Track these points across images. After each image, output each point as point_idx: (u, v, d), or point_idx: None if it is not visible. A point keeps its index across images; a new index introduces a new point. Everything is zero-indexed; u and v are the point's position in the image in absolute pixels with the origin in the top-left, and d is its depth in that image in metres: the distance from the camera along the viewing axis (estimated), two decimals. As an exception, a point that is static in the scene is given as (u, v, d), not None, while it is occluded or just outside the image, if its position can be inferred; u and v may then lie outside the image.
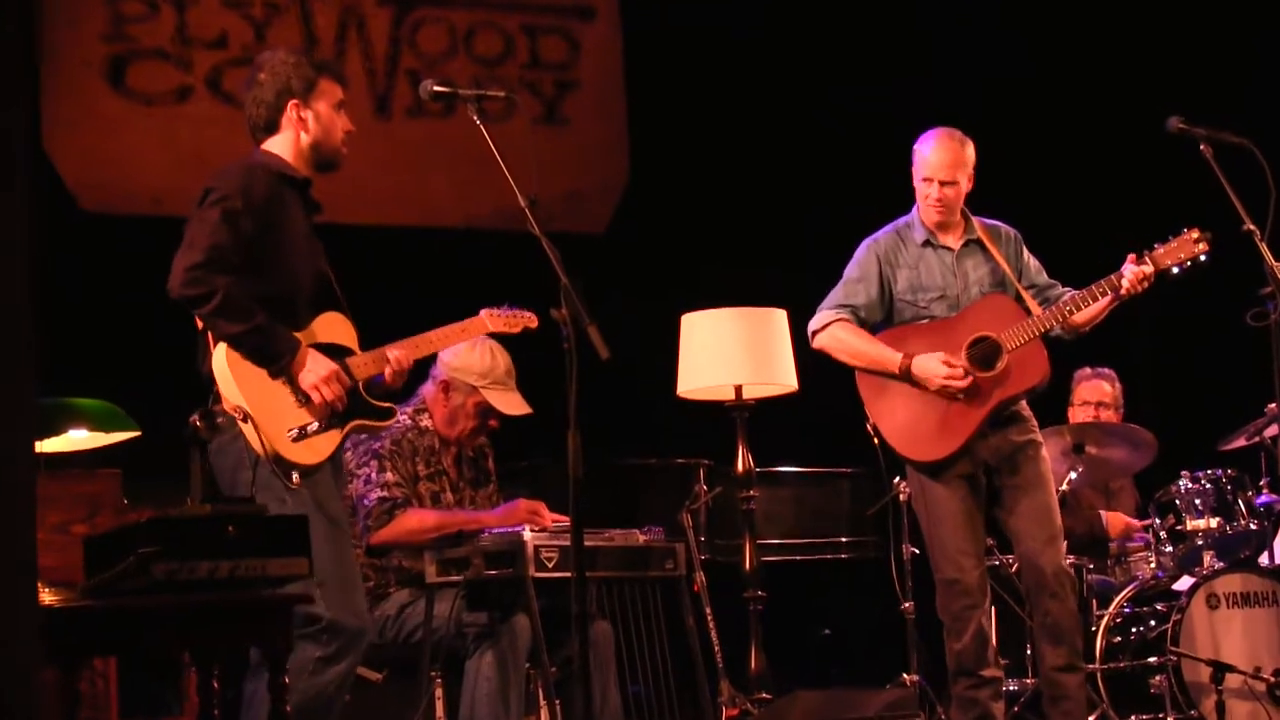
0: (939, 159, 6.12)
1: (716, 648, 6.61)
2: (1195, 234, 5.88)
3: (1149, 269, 5.88)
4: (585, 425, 4.51)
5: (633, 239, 9.04)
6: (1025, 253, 6.28)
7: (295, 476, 4.77)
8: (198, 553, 3.91)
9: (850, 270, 6.26)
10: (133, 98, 8.30)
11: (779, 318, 6.04)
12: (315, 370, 4.86)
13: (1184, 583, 7.07)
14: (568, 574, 5.03)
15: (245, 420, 4.69)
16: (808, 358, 6.27)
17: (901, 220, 6.28)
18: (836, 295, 6.22)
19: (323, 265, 5.09)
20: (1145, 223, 6.18)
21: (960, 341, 6.00)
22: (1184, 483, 7.26)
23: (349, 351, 5.03)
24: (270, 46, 8.60)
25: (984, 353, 5.99)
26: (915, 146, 6.20)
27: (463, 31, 9.18)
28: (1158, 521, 7.24)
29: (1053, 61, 9.09)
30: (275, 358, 4.82)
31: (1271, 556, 7.27)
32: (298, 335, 4.91)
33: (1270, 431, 7.25)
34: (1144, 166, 6.14)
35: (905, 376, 6.03)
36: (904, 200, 6.28)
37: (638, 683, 5.93)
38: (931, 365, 5.98)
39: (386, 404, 5.11)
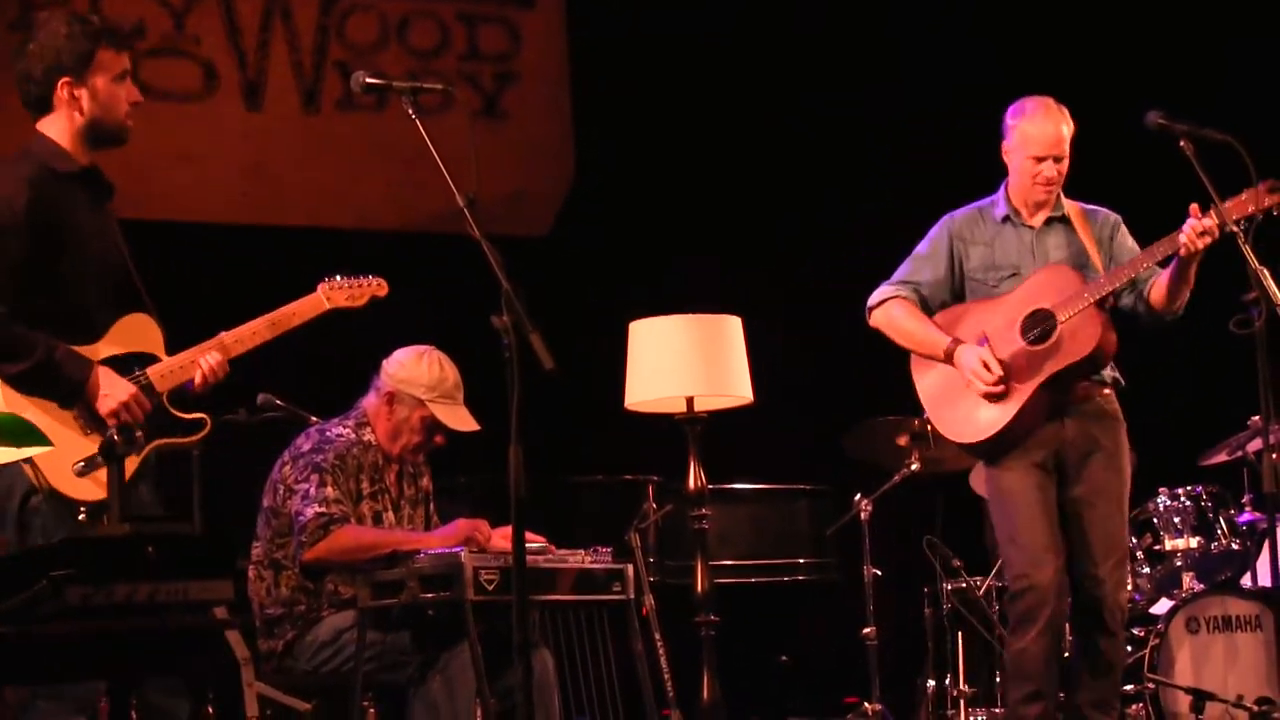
0: (1050, 134, 6.05)
1: (667, 676, 6.63)
2: (1268, 184, 5.68)
3: (1210, 223, 5.73)
4: (528, 439, 4.52)
5: (578, 242, 9.06)
6: (1120, 236, 6.17)
7: (81, 514, 4.66)
8: (115, 575, 3.90)
9: (921, 246, 6.26)
10: (42, 90, 8.26)
11: (733, 325, 6.05)
12: (114, 394, 4.77)
13: (1162, 606, 7.13)
14: (509, 597, 5.04)
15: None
16: (763, 367, 6.29)
17: (984, 200, 6.24)
18: (901, 270, 6.25)
19: (120, 259, 4.97)
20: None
21: (1017, 316, 5.99)
22: (1162, 500, 7.32)
23: (153, 358, 4.94)
24: (191, 36, 8.70)
25: (1041, 326, 5.94)
26: (1013, 121, 6.11)
27: (395, 21, 9.19)
28: (1135, 541, 7.28)
29: (1021, 67, 9.17)
30: (64, 394, 4.73)
31: (1254, 578, 7.33)
32: (97, 343, 4.81)
33: (1253, 446, 7.30)
34: (1116, 170, 6.18)
35: (949, 361, 6.04)
36: (876, 203, 6.32)
37: (584, 713, 5.94)
38: (969, 359, 5.99)
39: (196, 415, 5.00)
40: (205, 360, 4.99)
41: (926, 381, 6.17)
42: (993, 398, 5.95)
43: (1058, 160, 6.05)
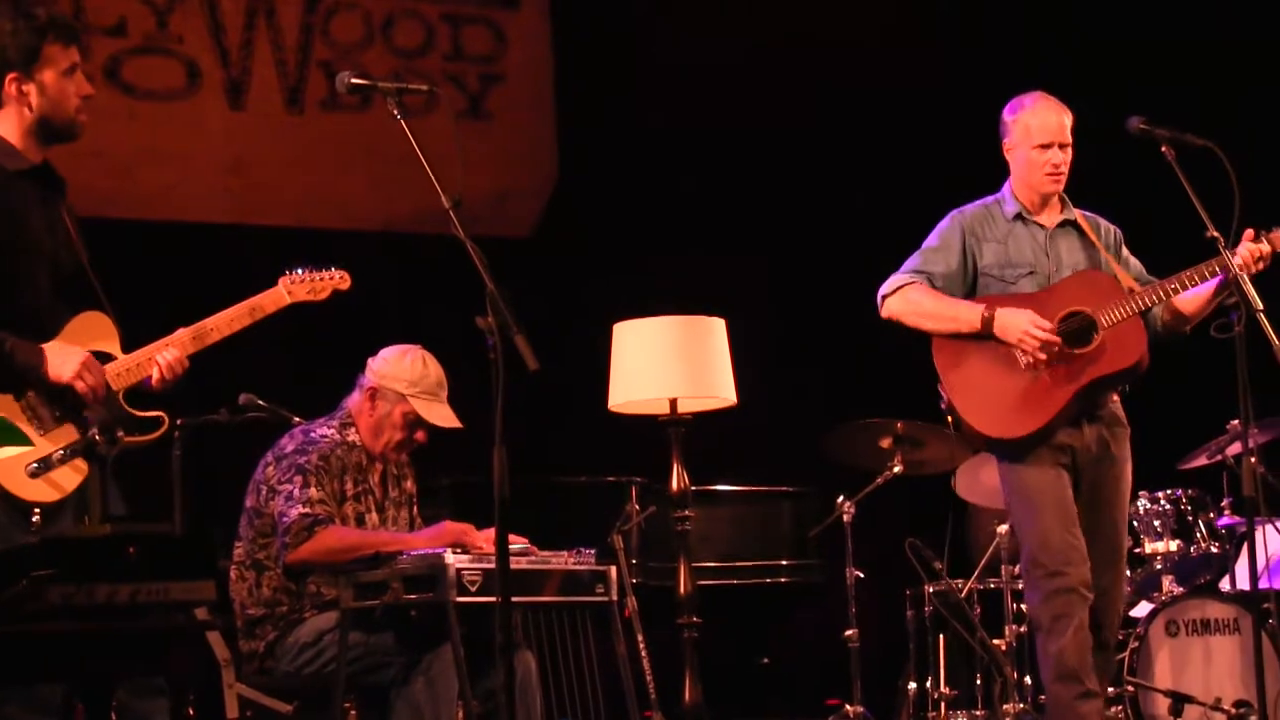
0: (1053, 122, 6.00)
1: (649, 677, 6.63)
2: None
3: (1266, 248, 5.73)
4: (512, 440, 4.52)
5: (562, 243, 9.06)
6: (1125, 250, 6.14)
7: (36, 517, 4.60)
8: (96, 576, 3.89)
9: (930, 239, 6.12)
10: (24, 88, 8.25)
11: (717, 327, 6.05)
12: (67, 364, 4.71)
13: (1142, 609, 7.13)
14: (492, 599, 5.03)
15: None
16: (746, 369, 6.29)
17: (990, 197, 6.14)
18: (912, 262, 6.08)
19: (73, 256, 4.93)
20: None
21: (1052, 315, 5.85)
22: (1142, 503, 7.33)
23: (108, 357, 4.90)
24: (174, 35, 8.68)
25: (1077, 329, 5.84)
26: (1012, 117, 6.06)
27: (380, 20, 9.18)
28: (1117, 544, 7.30)
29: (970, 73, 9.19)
30: (20, 382, 4.68)
31: (1233, 581, 7.34)
32: (50, 342, 4.77)
33: (1233, 449, 7.31)
34: (1098, 176, 6.17)
35: (987, 331, 5.85)
36: (861, 205, 6.31)
37: (566, 715, 5.94)
38: (1015, 319, 5.82)
39: (153, 413, 4.94)
40: (163, 356, 4.95)
41: (958, 372, 5.95)
42: (1029, 400, 5.82)
43: (1063, 147, 6.00)
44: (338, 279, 5.48)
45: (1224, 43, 9.08)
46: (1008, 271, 6.01)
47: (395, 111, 4.80)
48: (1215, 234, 5.60)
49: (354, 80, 4.90)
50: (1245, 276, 5.58)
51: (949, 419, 6.01)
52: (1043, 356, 5.82)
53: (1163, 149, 5.75)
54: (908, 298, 6.02)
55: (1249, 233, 5.78)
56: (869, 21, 9.44)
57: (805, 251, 9.22)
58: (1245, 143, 5.67)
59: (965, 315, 5.93)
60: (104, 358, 4.87)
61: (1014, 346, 5.85)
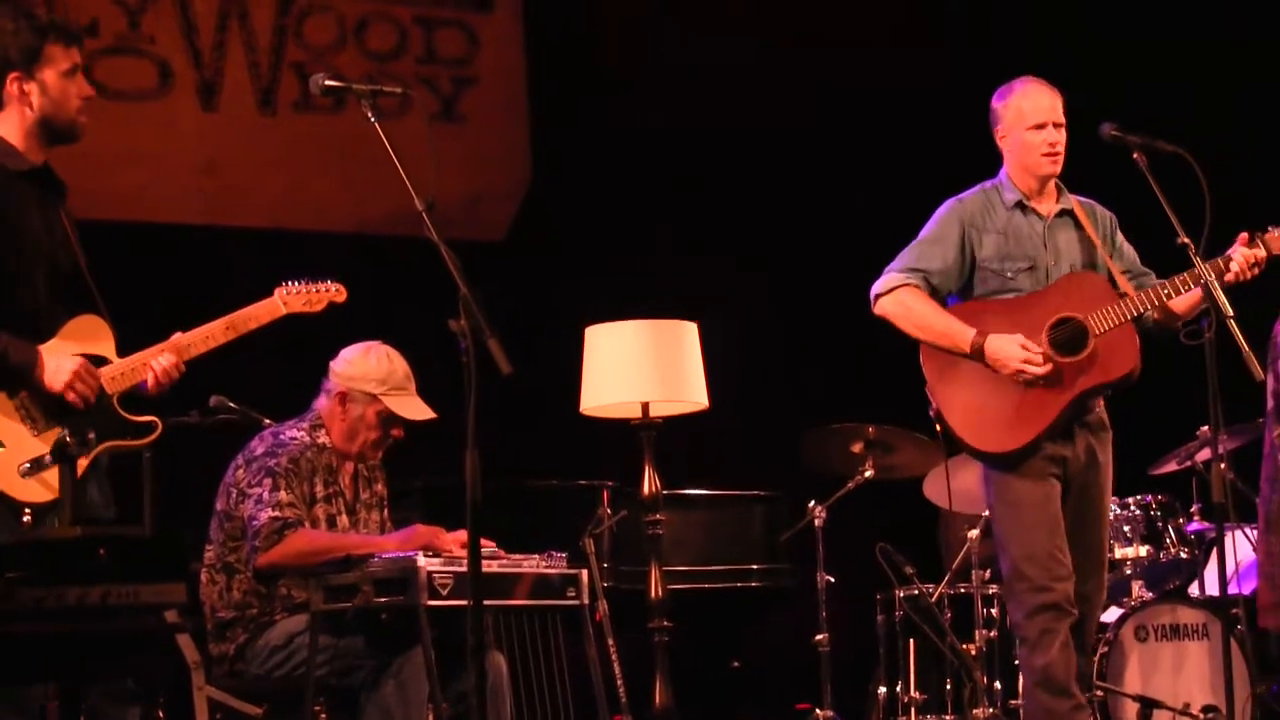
0: (1045, 102, 5.90)
1: (619, 681, 6.62)
2: None
3: (1262, 253, 5.70)
4: (484, 443, 4.51)
5: (534, 247, 9.06)
6: (1119, 236, 6.05)
7: (27, 517, 4.61)
8: (66, 578, 3.88)
9: (929, 230, 5.98)
10: (-5, 88, 8.22)
11: (689, 331, 6.06)
12: (60, 370, 4.73)
13: (1111, 614, 7.15)
14: (463, 602, 5.02)
15: None
16: (719, 373, 6.29)
17: (988, 182, 6.03)
18: (908, 257, 5.94)
19: (70, 259, 4.94)
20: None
21: (1042, 321, 5.76)
22: (1112, 509, 7.33)
23: (104, 360, 4.90)
24: (146, 35, 8.65)
25: (1068, 336, 5.74)
26: (1002, 102, 5.96)
27: (353, 23, 9.17)
28: (1084, 549, 7.31)
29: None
30: (12, 381, 4.69)
31: (1202, 587, 7.36)
32: (46, 344, 4.78)
33: (1202, 456, 7.34)
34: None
35: (977, 356, 5.76)
36: (834, 209, 6.30)
37: (536, 718, 5.93)
38: (1007, 347, 5.72)
39: (147, 418, 4.97)
40: (158, 362, 4.96)
41: (947, 383, 5.85)
42: (1021, 413, 5.72)
43: (1057, 126, 5.89)
44: (333, 291, 5.52)
45: (1225, 41, 9.08)
46: (1007, 265, 5.89)
47: (369, 114, 4.80)
48: (1185, 240, 5.58)
49: (328, 82, 4.90)
50: (1217, 282, 5.57)
51: (937, 427, 5.93)
52: (1040, 373, 5.72)
53: (1135, 155, 5.74)
54: (902, 302, 5.89)
55: (1243, 236, 5.74)
56: (875, 21, 9.42)
57: (778, 255, 9.22)
58: (1246, 142, 5.68)
59: (956, 336, 5.80)
60: (99, 361, 4.88)
61: (1006, 375, 5.74)
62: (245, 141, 8.81)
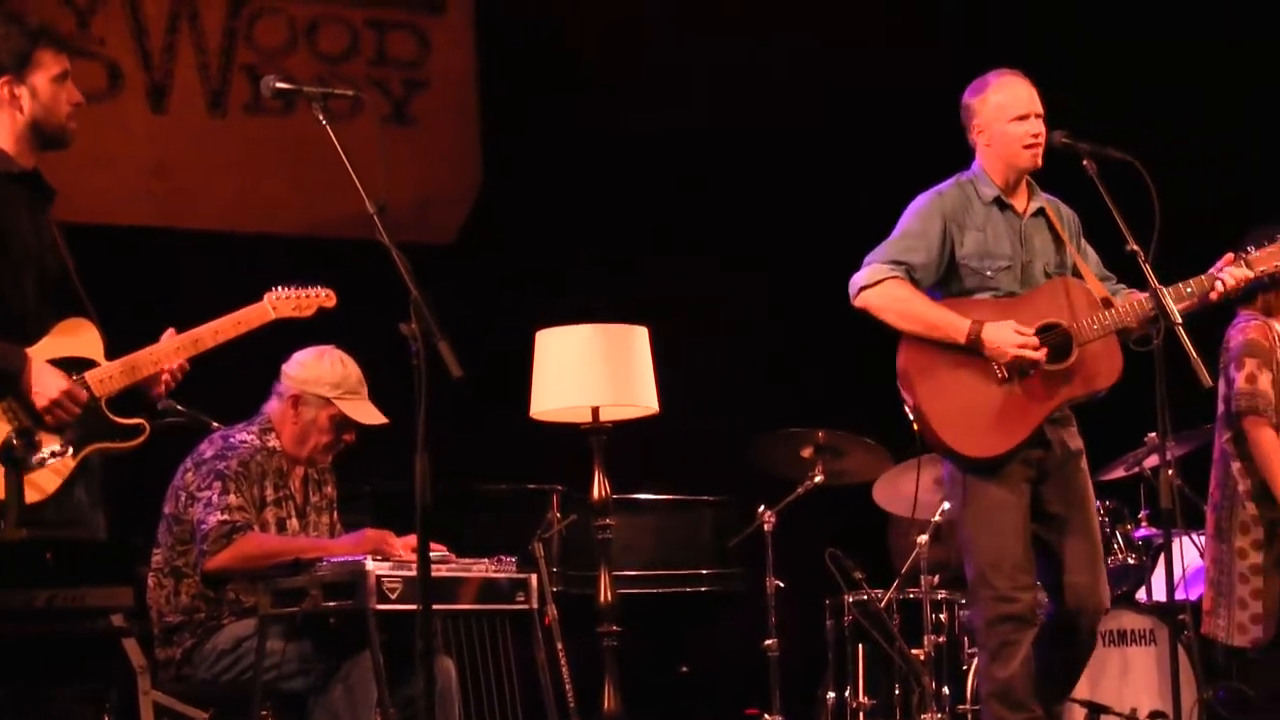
0: (1024, 93, 5.81)
1: (569, 686, 6.62)
2: None
3: (1247, 273, 5.69)
4: (434, 447, 4.50)
5: (484, 250, 9.04)
6: (1083, 240, 5.99)
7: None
8: (11, 582, 3.86)
9: (909, 223, 5.86)
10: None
11: (640, 335, 6.06)
12: (45, 390, 4.72)
13: (1058, 619, 7.17)
14: (412, 606, 5.00)
15: None
16: (669, 377, 6.29)
17: (963, 175, 5.92)
18: (890, 249, 5.81)
19: (57, 262, 4.94)
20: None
21: (1028, 325, 5.66)
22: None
23: (90, 363, 4.90)
24: (95, 37, 8.61)
25: (1053, 343, 5.67)
26: (978, 97, 5.85)
27: (304, 25, 9.15)
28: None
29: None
30: None
31: (1150, 593, 7.40)
32: (33, 347, 4.78)
33: (1150, 462, 7.38)
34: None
35: (973, 344, 5.63)
36: (785, 214, 6.29)
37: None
38: (1003, 333, 5.61)
39: (135, 421, 4.96)
40: (168, 368, 4.98)
41: (929, 381, 5.72)
42: (1004, 417, 5.66)
43: (1038, 117, 5.80)
44: (323, 297, 5.52)
45: (1228, 43, 9.11)
46: (986, 263, 5.80)
47: (320, 116, 4.80)
48: (1135, 248, 5.56)
49: (279, 84, 4.91)
50: (1164, 291, 5.58)
51: (914, 425, 5.84)
52: (1038, 358, 5.65)
53: (1084, 163, 5.74)
54: (893, 293, 5.74)
55: (1228, 256, 5.74)
56: (872, 21, 9.41)
57: (728, 258, 9.22)
58: (1249, 142, 5.67)
59: (949, 327, 5.69)
60: (87, 364, 4.87)
61: (1002, 363, 5.67)
62: (196, 144, 8.77)
